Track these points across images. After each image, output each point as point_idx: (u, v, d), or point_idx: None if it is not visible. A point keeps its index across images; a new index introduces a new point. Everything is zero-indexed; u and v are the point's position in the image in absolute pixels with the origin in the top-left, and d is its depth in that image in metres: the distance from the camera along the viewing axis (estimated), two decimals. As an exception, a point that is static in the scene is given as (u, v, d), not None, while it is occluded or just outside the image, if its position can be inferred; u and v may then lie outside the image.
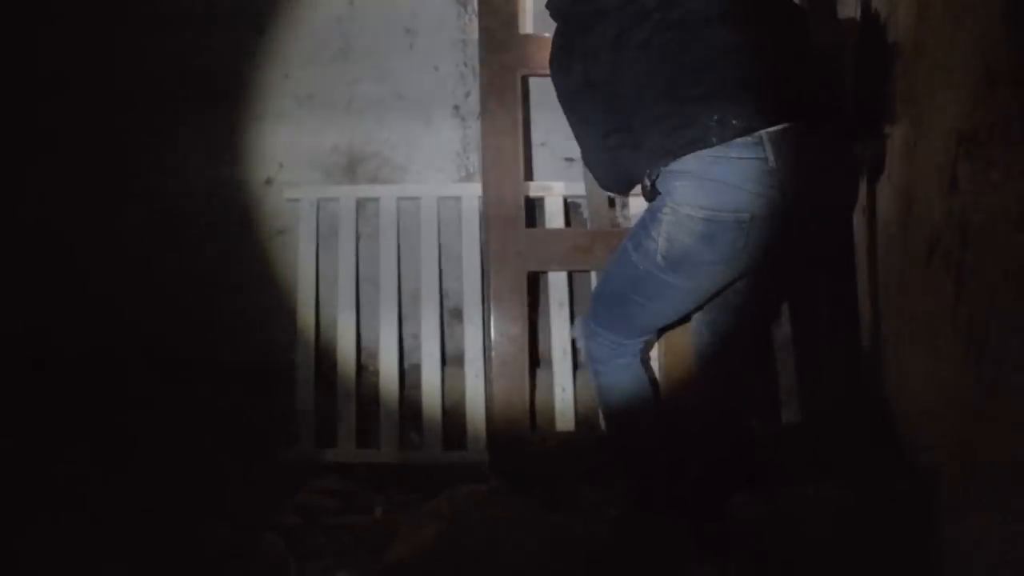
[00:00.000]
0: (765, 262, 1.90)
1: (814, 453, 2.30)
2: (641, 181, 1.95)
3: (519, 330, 2.39)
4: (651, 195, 1.94)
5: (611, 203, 2.61)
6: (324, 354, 2.71)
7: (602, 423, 2.33)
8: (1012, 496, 1.54)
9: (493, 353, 2.37)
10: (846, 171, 1.98)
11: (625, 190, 2.12)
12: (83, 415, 2.62)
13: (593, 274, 2.57)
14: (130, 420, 2.63)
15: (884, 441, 2.18)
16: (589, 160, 2.14)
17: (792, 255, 1.95)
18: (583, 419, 2.56)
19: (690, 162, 1.81)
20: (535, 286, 2.65)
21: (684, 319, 2.15)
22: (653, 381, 2.19)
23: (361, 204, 2.73)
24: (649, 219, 1.91)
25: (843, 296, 2.43)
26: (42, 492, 2.31)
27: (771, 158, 1.79)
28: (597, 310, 2.09)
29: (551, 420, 2.53)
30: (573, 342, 2.62)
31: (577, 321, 2.24)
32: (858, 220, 2.43)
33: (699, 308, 2.06)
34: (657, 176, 1.90)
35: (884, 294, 2.30)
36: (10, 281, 2.76)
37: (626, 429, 2.16)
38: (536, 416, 2.51)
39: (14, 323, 2.74)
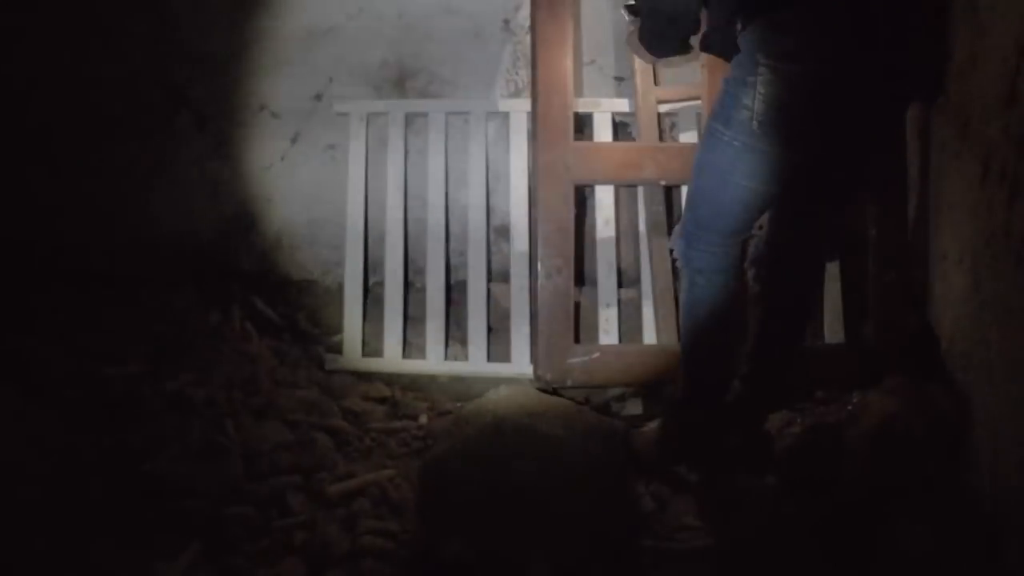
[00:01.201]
0: (846, 136, 1.88)
1: (858, 372, 2.31)
2: (699, 34, 1.92)
3: (565, 241, 2.40)
4: (725, 49, 1.88)
5: (659, 121, 2.60)
6: (372, 269, 2.75)
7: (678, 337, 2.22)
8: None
9: (539, 265, 2.39)
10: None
11: (674, 49, 2.06)
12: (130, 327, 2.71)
13: (640, 190, 2.57)
14: (181, 330, 2.71)
15: (927, 360, 2.19)
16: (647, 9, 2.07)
17: (856, 148, 1.94)
18: (626, 336, 2.58)
19: (792, 13, 1.76)
20: (582, 205, 2.66)
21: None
22: (743, 298, 2.11)
23: (410, 119, 2.73)
24: (736, 88, 1.84)
25: (892, 218, 2.41)
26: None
27: (871, 17, 1.78)
28: (694, 208, 2.02)
29: (595, 336, 2.56)
30: (618, 262, 2.63)
31: (674, 232, 2.13)
32: (912, 141, 2.40)
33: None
34: (744, 28, 1.82)
35: (935, 215, 2.28)
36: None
37: (706, 343, 2.08)
38: (580, 332, 2.54)
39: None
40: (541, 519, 1.86)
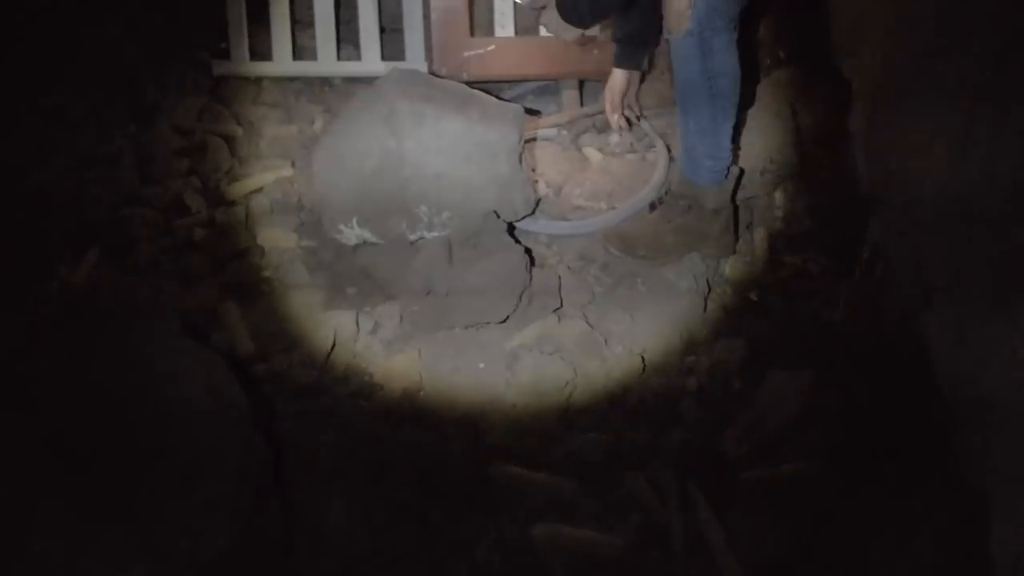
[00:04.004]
0: None
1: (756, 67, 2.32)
2: None
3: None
4: None
5: None
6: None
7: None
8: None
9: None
10: None
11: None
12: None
13: None
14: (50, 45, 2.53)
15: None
16: None
17: None
18: (522, 29, 2.52)
19: None
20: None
21: None
22: None
23: None
24: None
25: None
26: None
27: None
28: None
29: (490, 30, 2.49)
30: None
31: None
32: None
33: None
34: None
35: None
36: None
37: (729, 105, 1.97)
38: (475, 27, 2.46)
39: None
40: (435, 193, 1.88)
